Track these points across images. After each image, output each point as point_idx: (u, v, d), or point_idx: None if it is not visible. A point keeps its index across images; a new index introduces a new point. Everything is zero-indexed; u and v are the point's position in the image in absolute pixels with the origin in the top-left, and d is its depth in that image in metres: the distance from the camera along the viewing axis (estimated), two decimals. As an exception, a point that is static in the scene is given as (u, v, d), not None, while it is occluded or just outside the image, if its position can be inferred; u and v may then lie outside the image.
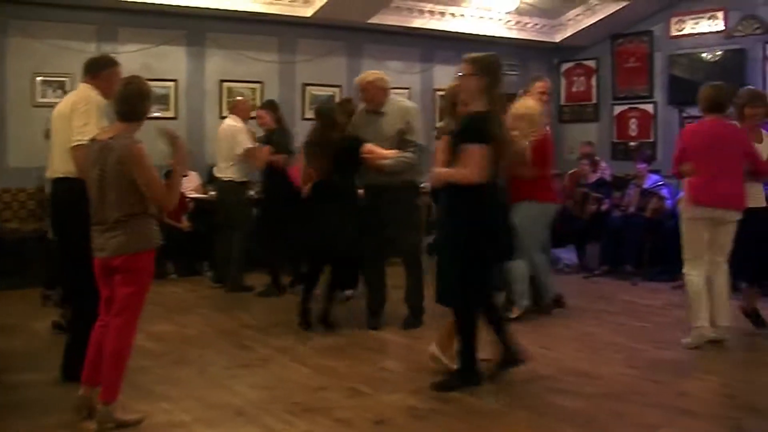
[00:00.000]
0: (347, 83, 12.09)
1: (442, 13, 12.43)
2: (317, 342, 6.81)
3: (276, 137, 9.09)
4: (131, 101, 4.76)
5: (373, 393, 5.38)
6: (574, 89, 14.64)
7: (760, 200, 6.83)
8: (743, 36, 12.39)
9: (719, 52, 12.60)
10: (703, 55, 12.80)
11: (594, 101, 14.39)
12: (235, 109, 9.59)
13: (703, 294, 6.60)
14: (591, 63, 14.45)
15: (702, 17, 12.88)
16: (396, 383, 5.62)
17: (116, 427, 4.64)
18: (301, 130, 11.42)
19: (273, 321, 7.59)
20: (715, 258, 6.67)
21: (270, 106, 9.46)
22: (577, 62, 14.59)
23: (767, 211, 6.84)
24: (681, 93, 12.37)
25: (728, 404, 5.22)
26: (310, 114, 11.77)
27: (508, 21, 13.12)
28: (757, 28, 12.23)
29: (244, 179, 9.20)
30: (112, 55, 6.51)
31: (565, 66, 14.75)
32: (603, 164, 11.74)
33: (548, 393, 5.40)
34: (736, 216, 6.54)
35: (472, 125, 5.41)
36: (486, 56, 5.57)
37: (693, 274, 6.62)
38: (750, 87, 7.28)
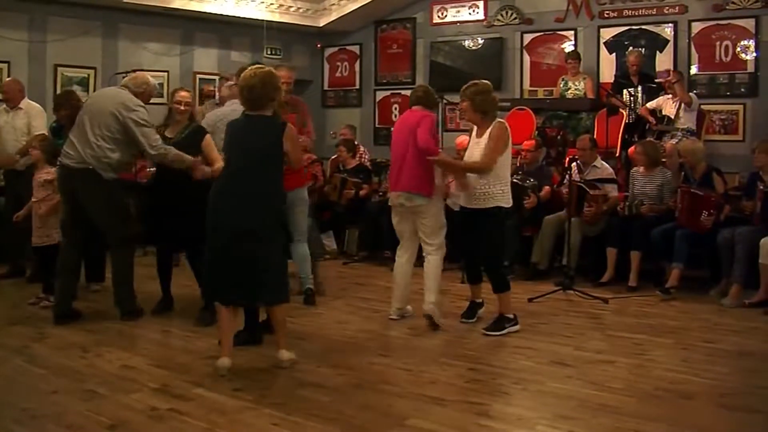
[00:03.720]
0: (102, 65, 11.63)
1: (202, -6, 12.14)
2: (58, 340, 6.41)
3: None
4: None
5: (112, 394, 5.09)
6: (337, 74, 14.70)
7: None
8: (502, 25, 12.84)
9: (480, 41, 12.98)
10: (464, 43, 13.16)
11: (357, 86, 14.51)
12: None
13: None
14: (354, 48, 14.57)
15: (463, 6, 13.26)
16: (138, 382, 5.36)
17: None
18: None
19: (11, 318, 7.12)
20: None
21: None
22: (341, 47, 14.66)
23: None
24: (442, 79, 12.71)
25: (476, 390, 5.28)
26: (64, 96, 11.24)
27: (271, 4, 12.98)
28: (515, 18, 12.69)
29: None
30: None
31: (329, 51, 14.79)
32: (362, 149, 11.83)
33: (297, 386, 5.29)
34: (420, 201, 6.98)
35: None
36: None
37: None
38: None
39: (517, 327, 6.81)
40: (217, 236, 5.55)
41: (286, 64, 8.51)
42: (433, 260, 7.07)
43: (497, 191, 6.71)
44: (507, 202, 6.78)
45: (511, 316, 6.85)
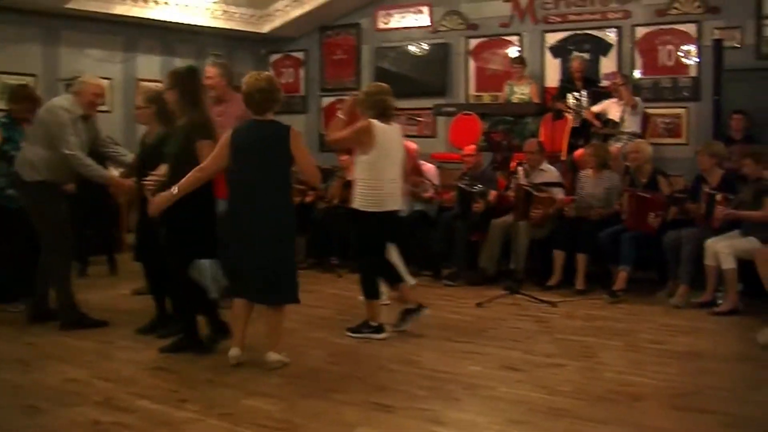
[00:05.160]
0: (43, 72, 11.40)
1: (146, 0, 11.93)
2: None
3: None
4: None
5: (54, 408, 4.96)
6: (282, 81, 14.53)
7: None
8: (447, 31, 12.85)
9: (425, 46, 12.98)
10: (410, 48, 13.14)
11: (302, 93, 14.44)
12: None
13: None
14: (299, 54, 14.49)
15: (408, 12, 13.24)
16: (81, 395, 5.23)
17: None
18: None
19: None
20: None
21: None
22: (286, 54, 14.58)
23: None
24: (388, 85, 12.63)
25: (426, 396, 5.24)
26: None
27: (215, 10, 12.84)
28: (460, 23, 12.72)
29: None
30: None
31: (274, 57, 14.70)
32: (309, 156, 11.74)
33: (244, 396, 5.21)
34: None
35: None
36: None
37: None
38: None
39: (379, 336, 6.76)
40: (235, 239, 5.75)
41: (213, 60, 8.37)
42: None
43: (357, 193, 6.79)
44: (369, 205, 6.72)
45: (375, 324, 6.82)
